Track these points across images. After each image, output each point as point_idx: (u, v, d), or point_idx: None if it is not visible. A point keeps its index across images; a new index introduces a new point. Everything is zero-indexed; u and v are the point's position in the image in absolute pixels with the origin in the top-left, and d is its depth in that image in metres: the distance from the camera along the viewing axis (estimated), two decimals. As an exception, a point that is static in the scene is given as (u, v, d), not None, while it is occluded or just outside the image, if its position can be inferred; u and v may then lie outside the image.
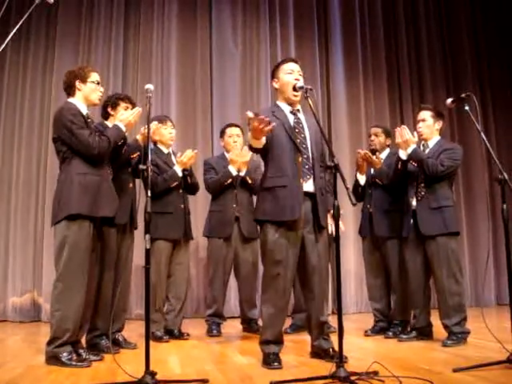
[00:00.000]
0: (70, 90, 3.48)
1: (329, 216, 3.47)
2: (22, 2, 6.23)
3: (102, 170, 3.39)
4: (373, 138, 4.60)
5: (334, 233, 3.01)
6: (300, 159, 3.15)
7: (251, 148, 3.17)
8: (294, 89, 3.20)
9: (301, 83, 3.19)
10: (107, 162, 3.47)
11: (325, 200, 3.24)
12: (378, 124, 5.07)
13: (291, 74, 3.24)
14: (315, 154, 3.21)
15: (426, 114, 4.10)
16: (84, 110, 3.43)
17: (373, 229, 4.39)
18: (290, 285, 3.21)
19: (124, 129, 3.46)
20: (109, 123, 3.79)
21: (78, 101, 3.44)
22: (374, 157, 4.39)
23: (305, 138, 3.21)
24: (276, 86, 3.33)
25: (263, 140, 3.05)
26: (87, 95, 3.46)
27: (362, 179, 4.50)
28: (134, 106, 3.91)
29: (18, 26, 2.78)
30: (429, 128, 4.08)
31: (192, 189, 4.54)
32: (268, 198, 3.16)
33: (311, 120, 3.24)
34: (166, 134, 4.40)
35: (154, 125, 3.91)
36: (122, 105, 3.87)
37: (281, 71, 3.28)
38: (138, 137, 3.84)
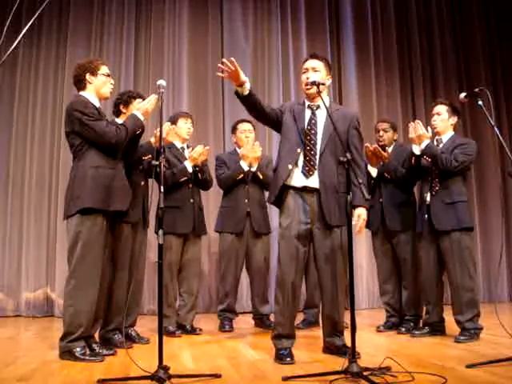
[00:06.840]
0: (80, 84, 3.44)
1: (354, 212, 3.11)
2: (33, -1, 6.27)
3: (115, 163, 3.37)
4: (382, 133, 4.56)
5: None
6: (302, 153, 3.18)
7: (239, 97, 3.33)
8: (307, 84, 3.25)
9: (313, 78, 3.19)
10: (121, 155, 3.43)
11: (337, 198, 3.13)
12: (385, 119, 5.04)
13: (305, 72, 3.30)
14: (326, 151, 3.17)
15: (441, 108, 4.09)
16: (96, 103, 3.41)
17: (384, 223, 4.37)
18: (299, 280, 3.19)
19: (142, 117, 3.44)
20: (120, 120, 3.74)
21: (90, 94, 3.41)
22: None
23: (315, 134, 3.21)
24: None
25: (243, 79, 3.17)
26: (98, 88, 3.43)
27: (374, 171, 4.45)
28: None
29: (30, 23, 2.77)
30: (443, 122, 4.07)
31: (204, 185, 4.55)
32: None
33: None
34: (184, 128, 4.44)
35: (166, 126, 3.90)
36: (135, 102, 3.79)
37: (301, 70, 3.37)
38: (152, 139, 3.84)
